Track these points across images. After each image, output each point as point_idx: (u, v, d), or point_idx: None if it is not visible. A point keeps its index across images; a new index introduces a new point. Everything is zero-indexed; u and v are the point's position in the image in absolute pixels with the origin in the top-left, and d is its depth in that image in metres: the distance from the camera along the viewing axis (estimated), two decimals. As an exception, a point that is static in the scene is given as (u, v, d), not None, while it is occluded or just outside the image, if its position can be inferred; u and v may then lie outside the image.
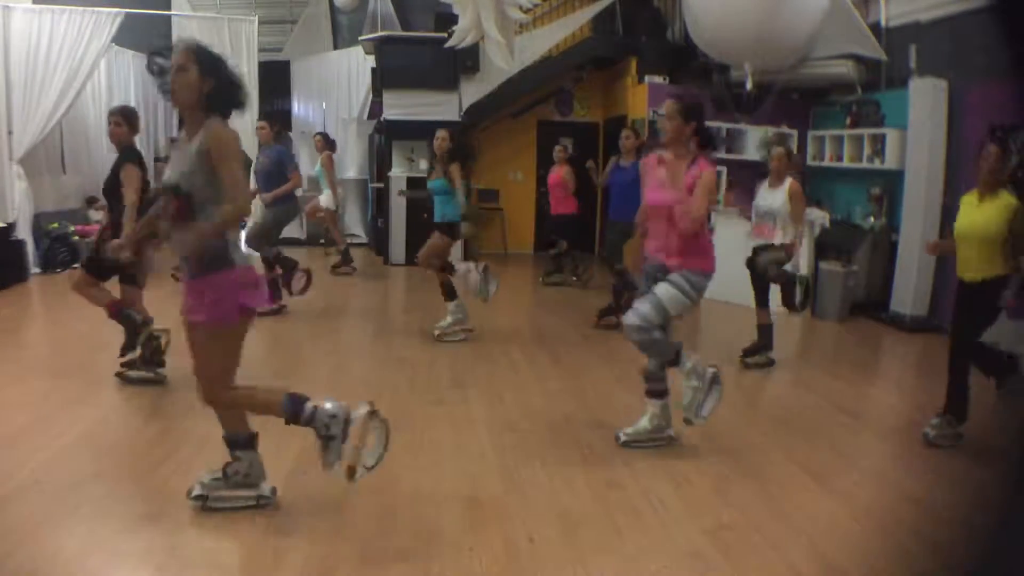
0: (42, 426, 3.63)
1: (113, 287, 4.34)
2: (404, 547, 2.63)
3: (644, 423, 3.61)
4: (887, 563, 2.66)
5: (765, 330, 5.16)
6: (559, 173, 8.14)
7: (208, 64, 2.55)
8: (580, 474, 3.29)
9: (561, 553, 2.63)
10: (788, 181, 5.02)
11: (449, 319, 5.65)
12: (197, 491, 2.81)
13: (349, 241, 9.41)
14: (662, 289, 3.41)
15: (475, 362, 5.09)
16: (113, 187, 4.15)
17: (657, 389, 3.60)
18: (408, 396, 4.34)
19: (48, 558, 2.48)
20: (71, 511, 2.78)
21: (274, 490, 2.91)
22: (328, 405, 2.73)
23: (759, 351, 5.17)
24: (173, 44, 2.62)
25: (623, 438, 3.59)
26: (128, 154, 4.18)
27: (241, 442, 2.83)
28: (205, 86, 2.54)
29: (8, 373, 4.52)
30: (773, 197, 5.05)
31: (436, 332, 5.60)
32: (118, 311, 4.25)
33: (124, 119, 4.22)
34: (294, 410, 2.70)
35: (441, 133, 5.56)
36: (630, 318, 3.40)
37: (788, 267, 5.04)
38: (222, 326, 2.62)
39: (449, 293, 5.60)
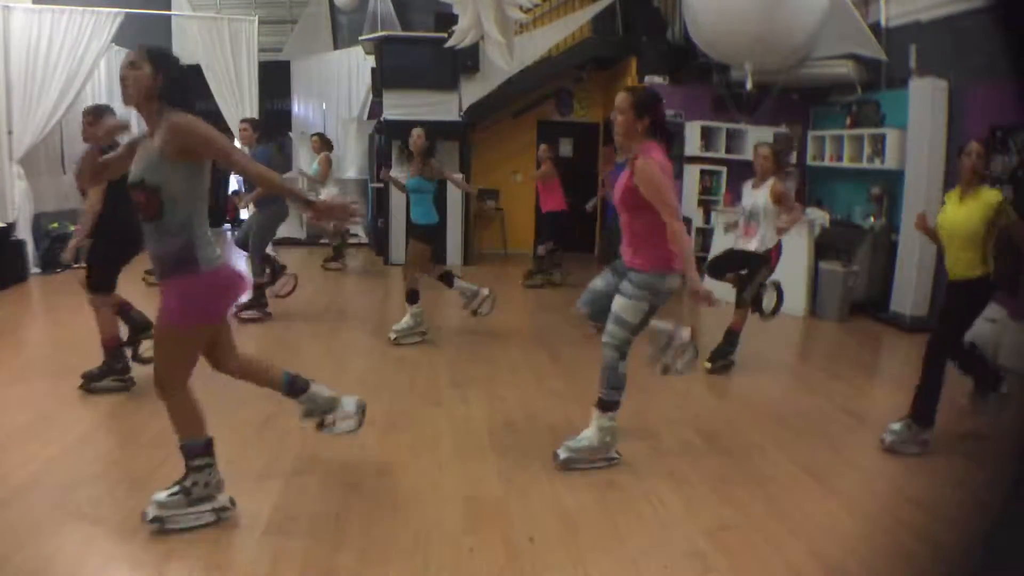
0: (42, 426, 3.63)
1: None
2: (404, 547, 2.63)
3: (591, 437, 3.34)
4: (887, 563, 2.66)
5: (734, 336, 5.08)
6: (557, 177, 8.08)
7: (160, 60, 2.56)
8: (580, 474, 3.29)
9: (561, 553, 2.63)
10: (770, 181, 4.97)
11: (408, 322, 5.54)
12: (153, 513, 2.64)
13: (349, 241, 9.42)
14: (616, 302, 3.23)
15: (475, 362, 5.09)
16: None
17: (611, 400, 3.33)
18: (408, 396, 4.34)
19: (48, 559, 2.48)
20: (71, 512, 2.78)
21: (232, 500, 2.81)
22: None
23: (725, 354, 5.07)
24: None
25: (562, 456, 3.31)
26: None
27: (199, 448, 2.73)
28: (157, 81, 2.54)
29: (8, 373, 4.53)
30: (756, 196, 5.01)
31: (393, 336, 5.49)
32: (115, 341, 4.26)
33: (96, 118, 4.11)
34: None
35: (417, 131, 5.55)
36: (604, 336, 3.30)
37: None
38: (176, 329, 2.62)
39: (411, 297, 5.50)
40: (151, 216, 2.56)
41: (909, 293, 6.59)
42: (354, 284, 8.49)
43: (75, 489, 2.96)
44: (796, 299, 6.85)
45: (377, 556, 2.57)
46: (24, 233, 7.74)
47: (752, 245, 4.99)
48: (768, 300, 5.14)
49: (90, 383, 4.18)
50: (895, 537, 2.82)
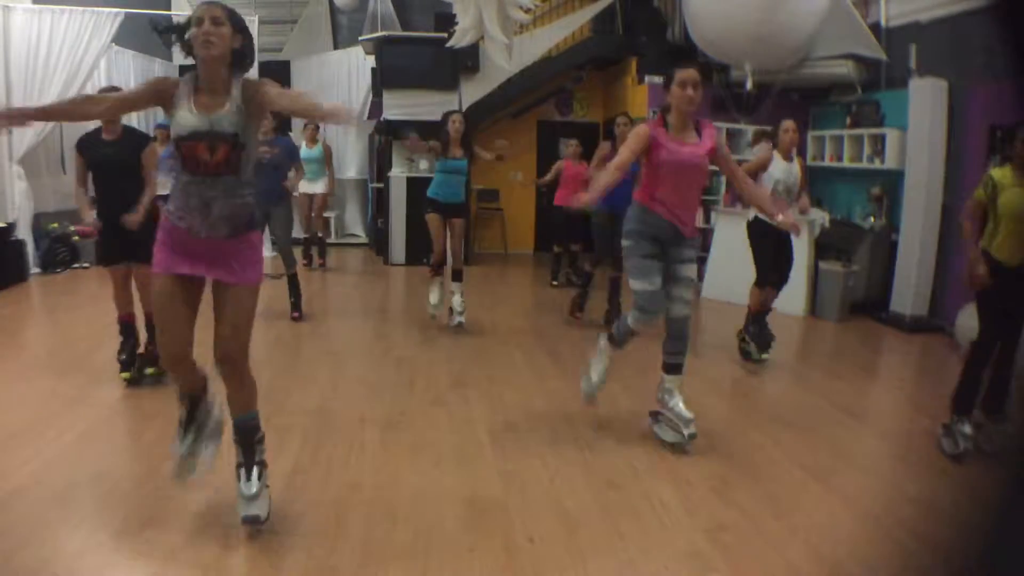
0: (42, 426, 3.63)
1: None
2: (404, 547, 2.63)
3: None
4: (887, 563, 2.66)
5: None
6: (582, 167, 7.83)
7: (238, 21, 2.55)
8: (580, 474, 3.29)
9: (561, 553, 2.63)
10: (796, 157, 5.11)
11: (461, 300, 5.90)
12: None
13: (348, 241, 9.41)
14: (688, 271, 3.56)
15: (475, 362, 5.09)
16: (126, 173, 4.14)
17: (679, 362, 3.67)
18: (408, 396, 4.34)
19: (48, 559, 2.48)
20: (71, 511, 2.78)
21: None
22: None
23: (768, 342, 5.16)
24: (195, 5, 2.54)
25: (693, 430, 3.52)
26: (141, 137, 4.23)
27: (203, 394, 2.80)
28: (235, 42, 2.53)
29: (8, 373, 4.52)
30: (791, 170, 5.02)
31: (463, 320, 5.85)
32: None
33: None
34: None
35: (456, 116, 5.72)
36: (687, 310, 3.59)
37: None
38: (259, 284, 2.67)
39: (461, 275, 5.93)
40: (233, 170, 2.51)
41: (909, 293, 6.59)
42: (354, 284, 8.49)
43: (75, 489, 2.96)
44: (796, 299, 6.86)
45: (377, 556, 2.57)
46: (24, 233, 7.73)
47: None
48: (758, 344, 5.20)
49: (130, 368, 4.25)
50: (895, 537, 2.82)
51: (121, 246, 4.16)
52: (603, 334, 3.85)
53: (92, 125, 4.22)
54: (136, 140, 4.25)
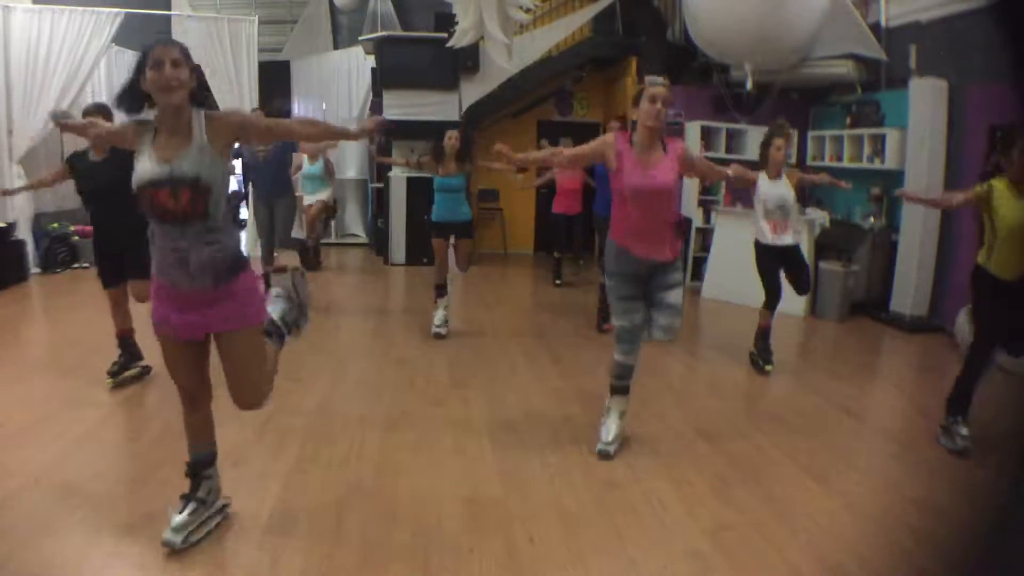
0: (42, 426, 3.63)
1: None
2: (404, 547, 2.63)
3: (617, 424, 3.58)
4: (887, 563, 2.66)
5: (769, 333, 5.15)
6: (580, 173, 7.83)
7: (190, 58, 2.46)
8: (580, 474, 3.29)
9: (561, 553, 2.63)
10: (785, 172, 5.03)
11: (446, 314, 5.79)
12: (177, 538, 2.54)
13: (348, 241, 9.41)
14: (674, 296, 3.45)
15: (475, 362, 5.09)
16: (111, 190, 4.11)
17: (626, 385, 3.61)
18: (408, 396, 4.34)
19: (48, 559, 2.48)
20: (71, 511, 2.78)
21: (228, 498, 2.83)
22: (275, 306, 2.96)
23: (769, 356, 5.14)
24: (146, 47, 2.42)
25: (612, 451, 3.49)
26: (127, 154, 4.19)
27: (212, 458, 2.77)
28: (192, 80, 2.44)
29: (8, 373, 4.52)
30: (781, 189, 4.99)
31: (445, 331, 5.73)
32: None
33: (105, 117, 3.94)
34: (281, 341, 2.93)
35: (452, 133, 5.66)
36: (669, 336, 3.48)
37: None
38: (261, 323, 2.63)
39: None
40: (199, 215, 2.37)
41: (909, 293, 6.59)
42: (354, 284, 8.49)
43: (75, 489, 2.96)
44: (796, 299, 6.84)
45: (377, 556, 2.57)
46: (24, 233, 7.74)
47: (789, 239, 5.01)
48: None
49: (117, 376, 4.27)
50: (895, 537, 2.82)
51: (116, 268, 4.21)
52: (607, 399, 3.69)
53: (83, 142, 4.21)
54: (123, 157, 4.19)
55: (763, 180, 4.98)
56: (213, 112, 2.48)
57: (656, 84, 3.27)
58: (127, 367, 4.35)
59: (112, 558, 2.52)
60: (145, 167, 2.39)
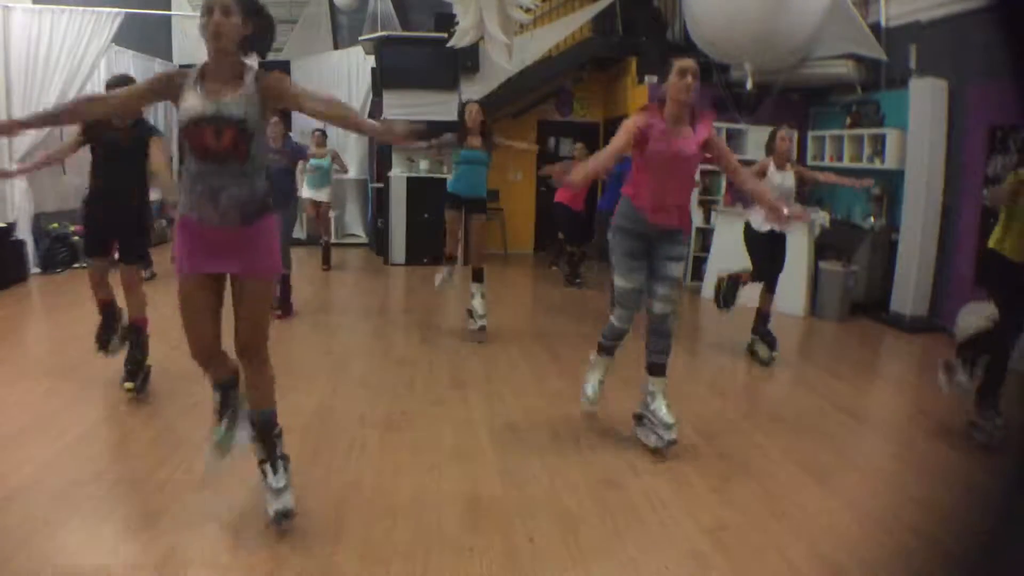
0: (42, 426, 3.63)
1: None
2: (404, 547, 2.63)
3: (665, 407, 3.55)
4: (887, 563, 2.66)
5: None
6: None
7: (250, 5, 2.52)
8: (580, 474, 3.29)
9: (561, 553, 2.63)
10: (789, 164, 5.19)
11: (483, 303, 5.67)
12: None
13: (348, 241, 9.41)
14: (674, 269, 3.50)
15: (475, 362, 5.09)
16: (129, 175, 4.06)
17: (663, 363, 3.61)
18: (408, 396, 4.34)
19: (48, 558, 2.48)
20: (71, 511, 2.78)
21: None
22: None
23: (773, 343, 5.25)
24: None
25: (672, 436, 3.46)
26: (149, 128, 4.13)
27: (236, 380, 2.80)
28: (246, 28, 2.51)
29: (8, 373, 4.52)
30: (785, 178, 5.12)
31: (484, 323, 5.63)
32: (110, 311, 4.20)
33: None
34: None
35: (472, 106, 5.53)
36: (669, 308, 3.50)
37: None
38: (277, 274, 2.70)
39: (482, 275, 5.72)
40: (240, 156, 2.48)
41: (909, 293, 6.59)
42: (354, 284, 8.49)
43: (75, 489, 2.96)
44: (796, 299, 6.86)
45: (377, 556, 2.57)
46: (24, 233, 7.73)
47: (788, 228, 5.13)
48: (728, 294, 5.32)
49: (107, 345, 4.20)
50: (895, 537, 2.82)
51: (105, 237, 4.08)
52: (593, 352, 3.80)
53: None
54: (144, 130, 4.16)
55: (771, 169, 5.10)
56: (269, 73, 2.57)
57: (685, 58, 3.29)
58: (109, 334, 4.20)
59: (112, 558, 2.52)
60: (193, 104, 2.46)
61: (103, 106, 2.83)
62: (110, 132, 4.03)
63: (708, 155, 3.48)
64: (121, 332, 4.26)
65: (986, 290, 3.93)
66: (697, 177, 3.59)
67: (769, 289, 5.30)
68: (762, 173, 5.04)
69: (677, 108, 3.32)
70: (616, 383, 4.60)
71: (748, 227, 5.24)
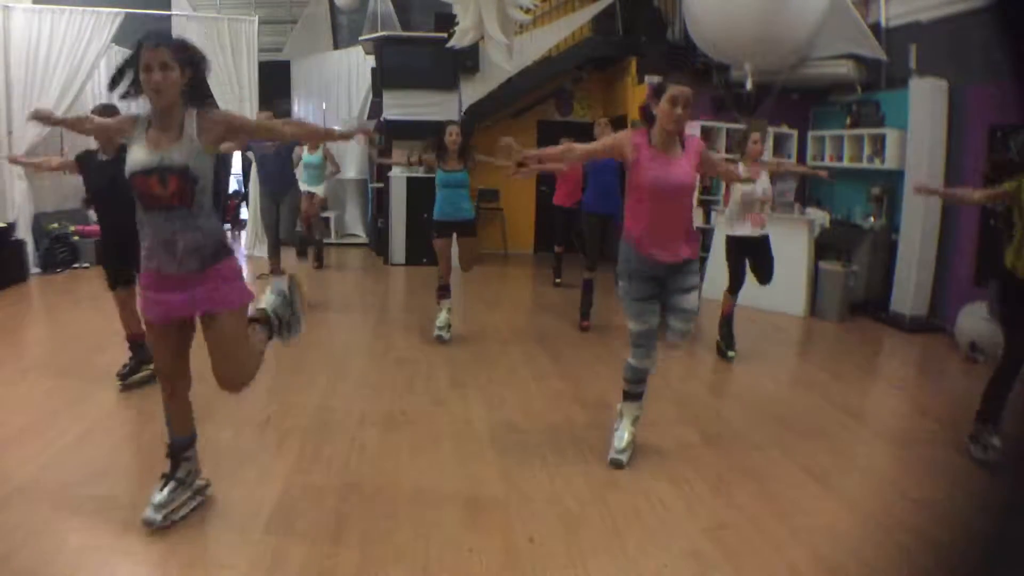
0: (42, 426, 3.63)
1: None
2: (404, 547, 2.63)
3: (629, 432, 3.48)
4: (887, 563, 2.66)
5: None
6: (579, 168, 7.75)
7: (188, 56, 2.56)
8: (580, 474, 3.29)
9: (561, 553, 2.63)
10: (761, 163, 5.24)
11: (448, 317, 5.68)
12: (158, 515, 2.65)
13: (348, 241, 9.40)
14: (689, 302, 3.36)
15: (475, 362, 5.09)
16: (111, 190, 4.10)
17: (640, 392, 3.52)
18: (408, 396, 4.34)
19: (49, 558, 2.48)
20: (71, 511, 2.78)
21: (207, 480, 2.93)
22: (270, 298, 3.04)
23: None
24: (139, 40, 2.53)
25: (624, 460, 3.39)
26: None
27: (191, 442, 2.85)
28: (185, 78, 2.55)
29: (8, 373, 4.52)
30: (761, 182, 5.16)
31: (448, 335, 5.63)
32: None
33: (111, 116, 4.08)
34: (269, 333, 3.06)
35: (452, 128, 5.52)
36: (684, 341, 3.43)
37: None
38: (247, 305, 2.72)
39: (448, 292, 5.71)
40: (187, 202, 2.53)
41: (909, 293, 6.58)
42: (354, 284, 8.49)
43: (75, 489, 2.96)
44: (796, 299, 6.86)
45: (377, 556, 2.57)
46: (24, 233, 7.73)
47: (762, 230, 5.20)
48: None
49: (126, 379, 4.23)
50: (895, 537, 2.82)
51: (123, 269, 4.16)
52: (619, 404, 3.59)
53: (94, 143, 4.21)
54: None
55: (742, 169, 5.04)
56: (205, 111, 2.62)
57: (680, 85, 3.15)
58: (136, 370, 4.31)
59: (112, 558, 2.52)
60: (138, 155, 2.53)
61: (88, 126, 2.90)
62: (99, 170, 4.12)
63: (703, 172, 3.44)
64: (143, 373, 4.31)
65: (999, 312, 3.74)
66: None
67: (764, 281, 5.35)
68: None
69: (664, 135, 3.21)
70: (617, 383, 4.59)
71: (728, 238, 5.28)
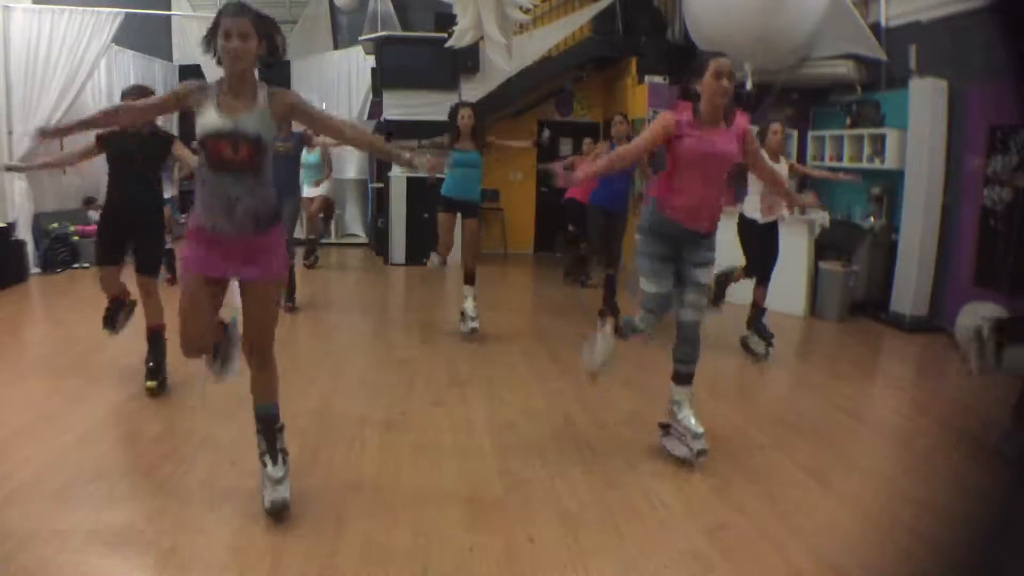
0: (42, 426, 3.63)
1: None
2: (404, 547, 2.63)
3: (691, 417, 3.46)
4: (887, 563, 2.66)
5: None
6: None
7: (264, 27, 2.67)
8: (580, 474, 3.29)
9: (561, 553, 2.63)
10: (783, 157, 5.27)
11: (474, 304, 5.68)
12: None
13: (348, 241, 9.40)
14: (703, 275, 3.37)
15: (475, 362, 5.09)
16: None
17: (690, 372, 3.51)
18: (408, 396, 4.34)
19: (48, 558, 2.48)
20: (71, 511, 2.78)
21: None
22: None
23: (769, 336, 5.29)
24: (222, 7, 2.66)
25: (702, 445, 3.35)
26: (165, 136, 4.19)
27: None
28: (261, 49, 2.66)
29: (8, 373, 4.52)
30: (781, 171, 5.11)
31: (476, 325, 5.62)
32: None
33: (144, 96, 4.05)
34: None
35: (465, 111, 5.50)
36: (698, 316, 3.40)
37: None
38: (284, 275, 2.82)
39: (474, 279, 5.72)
40: (254, 169, 2.63)
41: (909, 293, 6.58)
42: (354, 284, 8.49)
43: (76, 489, 2.96)
44: (796, 299, 6.85)
45: (377, 556, 2.57)
46: (24, 233, 7.73)
47: (773, 217, 5.21)
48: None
49: (157, 378, 4.15)
50: (895, 537, 2.82)
51: (118, 245, 4.12)
52: (608, 319, 3.64)
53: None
54: (160, 139, 4.21)
55: (784, 178, 5.10)
56: (276, 88, 2.75)
57: (722, 58, 3.14)
58: (118, 311, 4.26)
59: (112, 558, 2.52)
60: (212, 118, 2.60)
61: (126, 117, 2.98)
62: (125, 143, 4.05)
63: (743, 156, 3.38)
64: (126, 309, 4.29)
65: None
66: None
67: (761, 282, 5.29)
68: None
69: (712, 109, 3.19)
70: (616, 383, 4.60)
71: (742, 219, 5.22)
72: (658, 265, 3.34)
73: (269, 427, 2.84)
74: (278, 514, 2.73)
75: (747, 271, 5.26)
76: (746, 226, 5.22)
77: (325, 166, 8.48)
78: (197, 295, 2.71)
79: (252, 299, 2.76)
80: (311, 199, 8.52)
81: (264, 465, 2.81)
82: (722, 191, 3.36)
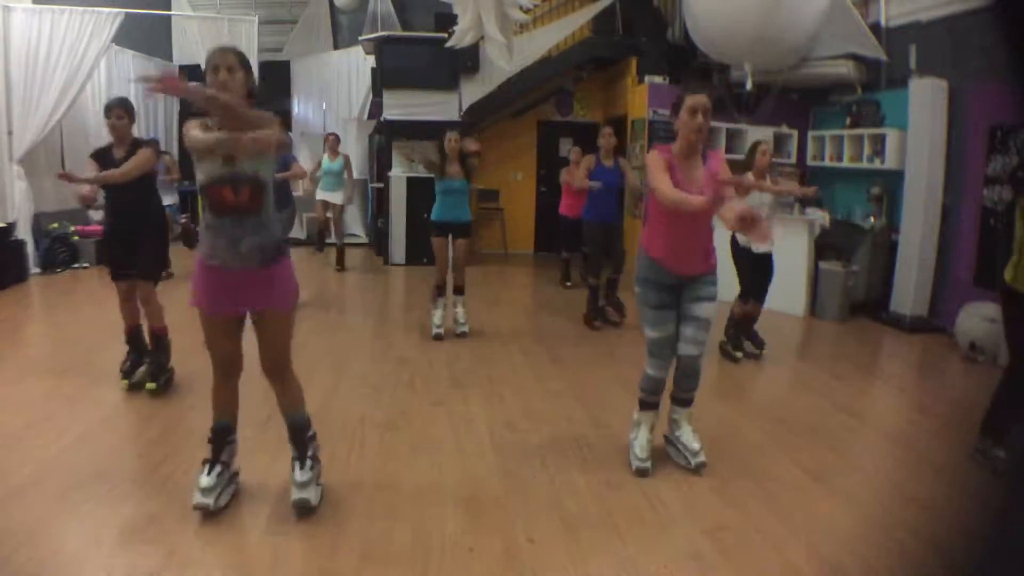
0: (42, 426, 3.63)
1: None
2: (404, 547, 2.63)
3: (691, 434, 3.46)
4: (887, 563, 2.66)
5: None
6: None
7: (246, 63, 2.72)
8: (580, 474, 3.29)
9: (561, 553, 2.63)
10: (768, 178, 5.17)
11: (465, 312, 5.87)
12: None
13: (349, 241, 9.38)
14: (706, 310, 3.29)
15: (475, 362, 5.09)
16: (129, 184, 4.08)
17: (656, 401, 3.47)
18: (408, 396, 4.34)
19: (48, 559, 2.48)
20: (71, 511, 2.78)
21: (239, 467, 3.05)
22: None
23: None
24: (209, 52, 2.72)
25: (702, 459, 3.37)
26: (145, 143, 4.17)
27: (234, 426, 2.94)
28: (249, 83, 2.71)
29: (8, 373, 4.52)
30: (762, 196, 5.10)
31: (467, 329, 5.82)
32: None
33: (126, 112, 4.08)
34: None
35: (452, 135, 5.64)
36: (697, 350, 3.32)
37: None
38: (294, 308, 2.84)
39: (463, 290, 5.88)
40: (255, 207, 2.64)
41: (909, 293, 6.59)
42: (354, 284, 8.49)
43: (75, 489, 2.96)
44: (796, 299, 6.86)
45: (377, 556, 2.57)
46: (24, 233, 7.74)
47: (767, 248, 5.14)
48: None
49: (131, 377, 4.23)
50: (895, 537, 2.82)
51: (127, 260, 4.16)
52: (635, 411, 3.53)
53: (105, 140, 4.24)
54: (144, 148, 4.21)
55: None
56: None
57: (697, 95, 3.10)
58: (139, 363, 4.31)
59: (112, 558, 2.52)
60: (212, 166, 2.61)
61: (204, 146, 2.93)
62: (114, 163, 4.08)
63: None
64: (147, 368, 4.31)
65: (1006, 331, 3.63)
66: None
67: (758, 300, 5.32)
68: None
69: (687, 145, 3.17)
70: (617, 383, 4.61)
71: (734, 242, 5.21)
72: (658, 313, 3.30)
73: (297, 434, 2.91)
74: (301, 512, 2.81)
75: (742, 297, 5.32)
76: (739, 253, 5.22)
77: (346, 174, 8.50)
78: (215, 332, 2.78)
79: (264, 328, 2.79)
80: (330, 204, 8.54)
81: (292, 470, 2.89)
82: (710, 230, 3.28)
